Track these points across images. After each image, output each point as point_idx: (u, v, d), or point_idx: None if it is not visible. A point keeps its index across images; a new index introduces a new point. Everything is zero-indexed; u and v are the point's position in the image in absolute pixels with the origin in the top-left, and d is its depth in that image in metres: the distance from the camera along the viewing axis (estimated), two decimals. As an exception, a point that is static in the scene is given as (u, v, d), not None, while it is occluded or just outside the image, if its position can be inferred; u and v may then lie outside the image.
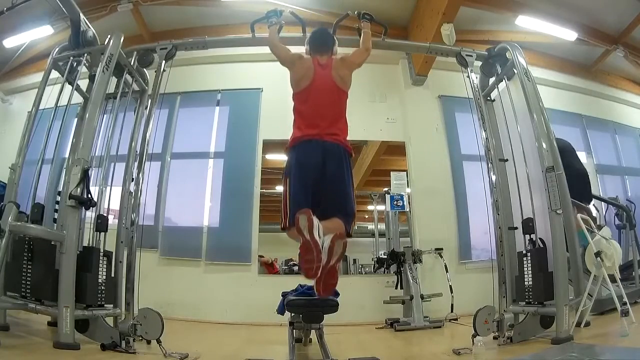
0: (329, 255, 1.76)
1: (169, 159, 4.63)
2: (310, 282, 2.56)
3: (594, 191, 4.06)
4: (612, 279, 2.31)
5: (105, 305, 2.38)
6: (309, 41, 2.39)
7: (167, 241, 4.32)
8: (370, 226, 6.43)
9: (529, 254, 2.47)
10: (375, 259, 5.15)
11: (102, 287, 2.38)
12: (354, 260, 6.02)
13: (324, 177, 2.05)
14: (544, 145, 2.48)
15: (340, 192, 2.08)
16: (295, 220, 1.81)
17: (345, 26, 2.84)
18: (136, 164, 2.64)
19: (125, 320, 2.33)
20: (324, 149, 2.09)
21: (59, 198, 2.45)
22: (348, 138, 2.26)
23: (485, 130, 2.83)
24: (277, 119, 4.15)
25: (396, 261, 3.91)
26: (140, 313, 2.31)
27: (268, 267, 4.89)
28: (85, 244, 2.44)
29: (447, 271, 3.95)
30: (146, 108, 2.84)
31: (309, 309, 2.33)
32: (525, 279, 2.45)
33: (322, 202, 2.02)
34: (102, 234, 2.52)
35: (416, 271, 3.82)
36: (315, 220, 1.79)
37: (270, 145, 4.63)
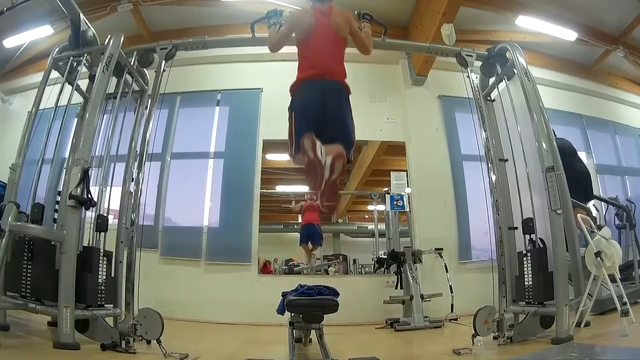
0: (331, 171, 1.98)
1: (169, 159, 4.63)
2: (310, 282, 2.58)
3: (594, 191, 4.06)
4: (612, 279, 2.31)
5: (105, 305, 2.39)
6: None
7: (167, 241, 4.32)
8: (370, 226, 6.44)
9: (529, 254, 2.47)
10: (375, 259, 5.15)
11: (102, 287, 2.38)
12: (354, 260, 6.03)
13: (325, 110, 2.20)
14: (544, 145, 2.49)
15: (341, 123, 2.24)
16: (301, 143, 1.98)
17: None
18: (136, 164, 2.64)
19: (125, 320, 2.33)
20: (325, 86, 2.25)
21: (59, 198, 2.45)
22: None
23: (485, 130, 2.83)
24: (277, 119, 4.11)
25: (396, 261, 3.91)
26: (140, 313, 2.31)
27: (262, 268, 4.88)
28: (85, 244, 2.44)
29: (447, 271, 3.95)
30: (146, 108, 2.84)
31: (309, 309, 2.34)
32: (525, 279, 2.45)
33: (323, 132, 2.14)
34: (102, 234, 2.52)
35: (416, 271, 3.82)
36: (318, 142, 1.98)
37: (270, 145, 4.63)
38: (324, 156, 1.98)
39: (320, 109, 2.19)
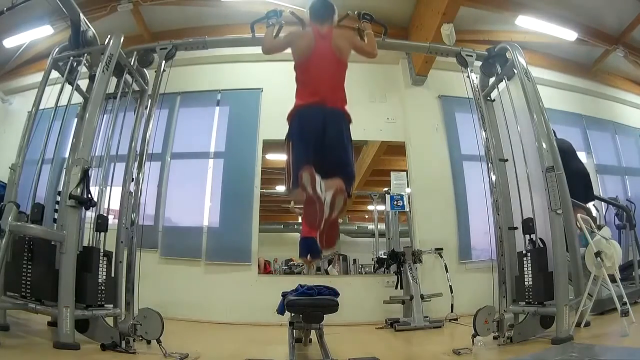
0: (331, 209, 1.86)
1: (169, 159, 4.63)
2: (310, 282, 2.58)
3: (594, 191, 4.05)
4: (612, 279, 2.31)
5: (105, 305, 2.39)
6: (310, 10, 2.40)
7: (167, 241, 4.32)
8: (370, 226, 6.44)
9: (529, 254, 2.47)
10: (375, 259, 5.16)
11: (102, 287, 2.38)
12: (354, 260, 6.03)
13: (324, 141, 2.10)
14: (544, 145, 2.49)
15: (341, 154, 2.14)
16: (299, 177, 1.87)
17: (345, 26, 2.83)
18: (136, 164, 2.64)
19: (125, 320, 2.33)
20: (325, 115, 2.14)
21: (59, 198, 2.44)
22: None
23: (485, 130, 2.83)
24: (277, 119, 4.08)
25: (396, 261, 3.91)
26: (140, 313, 2.31)
27: (260, 268, 4.87)
28: (85, 244, 2.44)
29: (447, 271, 3.95)
30: (146, 108, 2.84)
31: (309, 309, 2.34)
32: (525, 279, 2.45)
33: (323, 165, 2.06)
34: (102, 234, 2.52)
35: (416, 271, 3.82)
36: (317, 177, 1.87)
37: (270, 145, 4.63)
38: (324, 192, 1.86)
39: (320, 139, 2.08)
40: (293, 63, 2.32)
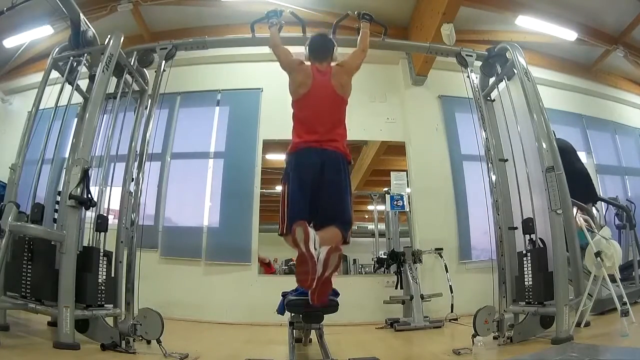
0: (324, 268, 1.78)
1: (169, 159, 4.63)
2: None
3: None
4: (612, 279, 2.31)
5: (105, 305, 2.38)
6: (309, 48, 2.38)
7: (167, 241, 4.32)
8: (370, 226, 6.43)
9: (529, 254, 2.47)
10: (375, 259, 5.16)
11: (102, 287, 2.37)
12: (354, 260, 6.02)
13: (322, 184, 2.05)
14: (544, 145, 2.48)
15: (338, 200, 2.08)
16: (292, 231, 1.82)
17: (345, 26, 2.84)
18: (136, 164, 2.64)
19: (125, 320, 2.33)
20: (323, 157, 2.09)
21: (59, 198, 2.44)
22: (348, 138, 2.27)
23: (485, 130, 2.83)
24: (277, 119, 4.16)
25: (396, 261, 3.91)
26: (140, 313, 2.31)
27: (265, 267, 4.89)
28: (85, 244, 2.44)
29: (447, 271, 3.95)
30: (146, 108, 2.84)
31: (309, 309, 2.33)
32: (525, 279, 2.45)
33: (319, 209, 2.03)
34: (102, 234, 2.52)
35: (416, 271, 3.82)
36: (312, 232, 1.81)
37: (270, 145, 4.63)
38: (318, 248, 1.79)
39: (317, 182, 2.04)
40: (291, 102, 2.27)
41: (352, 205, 2.16)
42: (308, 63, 2.33)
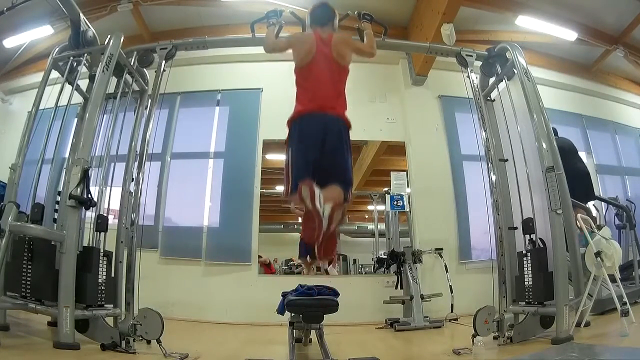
0: (329, 222, 1.89)
1: (169, 159, 4.63)
2: (310, 282, 2.58)
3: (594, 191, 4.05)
4: (612, 279, 2.31)
5: (105, 305, 2.38)
6: (310, 15, 2.41)
7: (167, 241, 4.32)
8: (370, 226, 6.44)
9: (529, 254, 2.47)
10: (375, 259, 5.16)
11: (102, 287, 2.38)
12: (354, 260, 6.03)
13: (324, 148, 2.11)
14: (544, 145, 2.48)
15: (340, 162, 2.16)
16: (298, 190, 1.91)
17: (345, 26, 2.83)
18: (136, 164, 2.64)
19: (125, 320, 2.33)
20: (325, 122, 2.16)
21: (59, 198, 2.45)
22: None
23: (485, 130, 2.83)
24: (277, 119, 4.08)
25: (396, 261, 3.91)
26: (140, 313, 2.31)
27: (265, 268, 4.89)
28: (85, 244, 2.44)
29: (447, 271, 3.95)
30: (146, 108, 2.84)
31: (309, 309, 2.34)
32: (525, 279, 2.45)
33: (322, 171, 2.09)
34: (102, 234, 2.52)
35: (416, 271, 3.82)
36: (317, 190, 1.90)
37: (270, 145, 4.63)
38: (322, 205, 1.88)
39: (320, 146, 2.10)
40: (293, 65, 2.32)
41: (352, 168, 2.25)
42: (310, 32, 2.37)
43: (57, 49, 2.78)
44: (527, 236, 2.53)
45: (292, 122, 2.22)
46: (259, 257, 4.50)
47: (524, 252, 2.51)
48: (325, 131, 2.13)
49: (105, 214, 2.62)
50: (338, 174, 2.12)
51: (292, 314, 2.50)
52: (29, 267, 2.21)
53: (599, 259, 2.27)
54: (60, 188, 2.45)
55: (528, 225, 2.53)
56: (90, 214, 2.49)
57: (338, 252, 6.25)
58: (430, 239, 4.25)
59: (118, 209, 2.69)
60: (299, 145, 2.14)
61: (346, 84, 2.31)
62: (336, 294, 2.47)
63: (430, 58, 4.49)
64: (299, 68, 2.29)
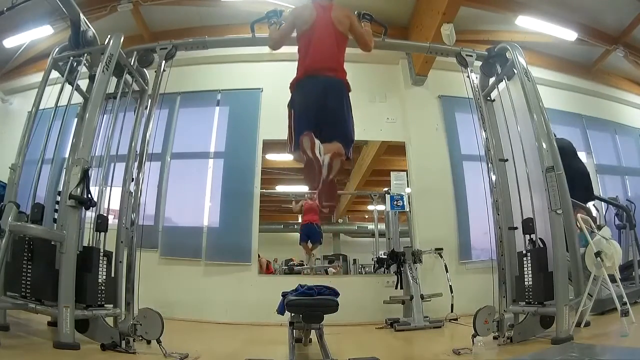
0: (329, 170, 2.01)
1: (169, 159, 4.63)
2: (310, 282, 2.58)
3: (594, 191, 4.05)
4: (612, 279, 2.31)
5: (105, 305, 2.39)
6: None
7: (167, 241, 4.32)
8: (370, 226, 6.45)
9: (529, 254, 2.47)
10: (375, 259, 5.16)
11: (102, 287, 2.38)
12: (354, 260, 6.04)
13: (325, 108, 2.20)
14: (544, 145, 2.48)
15: (340, 121, 2.24)
16: (300, 141, 2.01)
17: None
18: (136, 164, 2.64)
19: (125, 320, 2.33)
20: (325, 84, 2.25)
21: (59, 198, 2.44)
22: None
23: (485, 130, 2.83)
24: (277, 119, 4.10)
25: (396, 261, 3.91)
26: (140, 313, 2.31)
27: (262, 269, 4.89)
28: (85, 244, 2.44)
29: (447, 271, 3.95)
30: (146, 108, 2.84)
31: (309, 309, 2.34)
32: (525, 279, 2.45)
33: (323, 130, 2.15)
34: (102, 234, 2.52)
35: (416, 271, 3.81)
36: (317, 141, 2.01)
37: (270, 145, 4.63)
38: (322, 155, 1.99)
39: (321, 106, 2.19)
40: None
41: (353, 127, 2.32)
42: (308, 3, 2.44)
43: (57, 49, 2.78)
44: (527, 236, 2.53)
45: (294, 85, 2.31)
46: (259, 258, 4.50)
47: (524, 252, 2.51)
48: (325, 92, 2.21)
49: (105, 214, 2.63)
50: (339, 131, 2.20)
51: (292, 314, 2.50)
52: (29, 267, 2.21)
53: (599, 259, 2.27)
54: (60, 188, 2.44)
55: (528, 225, 2.53)
56: (90, 214, 2.49)
57: (339, 252, 6.28)
58: (430, 238, 4.24)
59: (118, 209, 2.69)
60: (300, 106, 2.23)
61: (345, 51, 2.39)
62: (336, 294, 2.47)
63: (430, 58, 4.49)
64: (300, 34, 2.38)
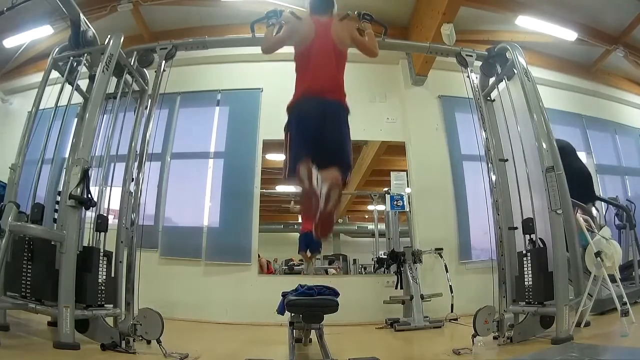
0: (326, 202, 1.92)
1: (169, 159, 4.63)
2: (310, 282, 2.58)
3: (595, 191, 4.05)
4: (612, 279, 2.31)
5: (105, 305, 2.39)
6: (310, 3, 2.42)
7: (167, 241, 4.31)
8: (370, 226, 6.44)
9: (529, 254, 2.47)
10: (375, 259, 5.16)
11: (102, 287, 2.38)
12: (354, 260, 6.03)
13: (323, 131, 2.10)
14: (544, 145, 2.49)
15: (339, 146, 2.15)
16: (297, 170, 1.97)
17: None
18: (136, 164, 2.64)
19: (125, 320, 2.33)
20: (324, 106, 2.15)
21: (59, 198, 2.45)
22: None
23: (485, 130, 2.83)
24: (277, 119, 4.09)
25: (396, 261, 3.91)
26: (140, 313, 2.31)
27: (263, 270, 4.89)
28: (85, 244, 2.44)
29: (447, 271, 3.95)
30: (146, 108, 2.84)
31: (309, 309, 2.34)
32: (525, 279, 2.45)
33: (321, 155, 2.09)
34: (102, 234, 2.52)
35: (416, 271, 3.81)
36: (314, 170, 1.98)
37: (270, 145, 4.62)
38: (320, 186, 1.93)
39: (318, 130, 2.09)
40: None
41: (351, 152, 2.24)
42: (307, 18, 2.38)
43: (57, 49, 2.78)
44: (527, 236, 2.53)
45: (291, 108, 2.21)
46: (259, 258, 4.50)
47: (524, 252, 2.51)
48: (323, 116, 2.13)
49: (105, 214, 2.63)
50: (337, 158, 2.12)
51: (292, 314, 2.50)
52: (29, 267, 2.21)
53: (599, 259, 2.27)
54: (60, 188, 2.45)
55: (528, 225, 2.53)
56: (90, 214, 2.49)
57: (339, 252, 6.27)
58: (430, 238, 4.24)
59: (118, 209, 2.69)
60: (297, 130, 2.13)
61: (344, 69, 2.31)
62: (336, 294, 2.47)
63: (430, 58, 4.49)
64: (298, 52, 2.29)
